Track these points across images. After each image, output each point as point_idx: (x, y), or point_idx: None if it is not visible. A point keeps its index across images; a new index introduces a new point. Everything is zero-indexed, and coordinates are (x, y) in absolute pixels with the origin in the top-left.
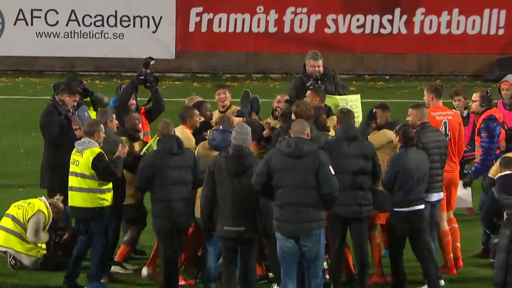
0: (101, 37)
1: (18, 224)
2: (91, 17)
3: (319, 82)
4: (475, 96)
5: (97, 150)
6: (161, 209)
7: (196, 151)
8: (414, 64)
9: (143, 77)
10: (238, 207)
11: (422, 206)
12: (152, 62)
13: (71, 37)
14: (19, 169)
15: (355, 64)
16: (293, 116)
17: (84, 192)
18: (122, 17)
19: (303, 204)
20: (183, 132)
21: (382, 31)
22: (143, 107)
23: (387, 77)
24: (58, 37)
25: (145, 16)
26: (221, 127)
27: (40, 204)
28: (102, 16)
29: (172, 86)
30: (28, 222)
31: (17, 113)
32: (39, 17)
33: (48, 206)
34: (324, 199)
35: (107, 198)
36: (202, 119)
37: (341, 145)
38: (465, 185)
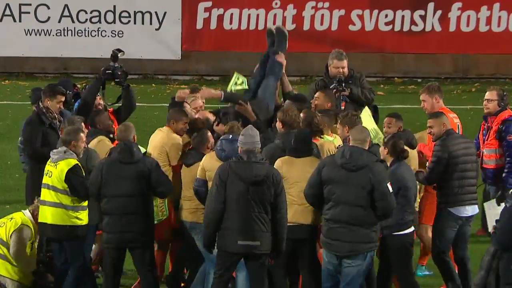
0: (98, 35)
1: (1, 244)
2: (86, 12)
3: (343, 84)
4: (492, 94)
5: (73, 162)
6: (106, 223)
7: (201, 163)
8: (450, 65)
9: (110, 71)
10: (252, 219)
11: (412, 229)
12: (120, 54)
13: (64, 35)
14: (6, 183)
15: (383, 66)
16: (278, 124)
17: (55, 207)
18: (121, 13)
19: (352, 223)
20: (168, 136)
21: (414, 28)
22: (111, 108)
23: (419, 80)
24: (49, 35)
25: (147, 12)
26: (230, 136)
27: (23, 217)
28: (99, 12)
29: (177, 90)
30: (10, 238)
31: (4, 121)
32: (28, 12)
33: (33, 221)
34: (378, 219)
35: (82, 217)
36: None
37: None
38: (500, 201)
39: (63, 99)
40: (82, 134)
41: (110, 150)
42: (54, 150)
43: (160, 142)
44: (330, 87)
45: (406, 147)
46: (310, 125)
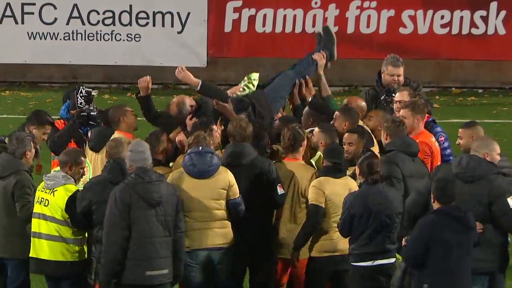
0: (112, 40)
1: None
2: (98, 13)
3: (393, 95)
4: (402, 95)
5: (73, 188)
6: (100, 253)
7: (168, 179)
8: None
9: (85, 114)
10: (159, 244)
11: (388, 261)
12: (94, 93)
13: (73, 39)
14: None
15: (439, 74)
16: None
17: (54, 241)
18: (138, 13)
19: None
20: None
21: (474, 31)
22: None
23: (479, 90)
24: (56, 39)
25: (168, 13)
26: (200, 148)
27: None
28: (113, 13)
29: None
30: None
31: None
32: (32, 13)
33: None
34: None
35: (84, 250)
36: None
37: (405, 162)
38: None
39: (49, 130)
40: (83, 157)
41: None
42: (49, 175)
43: None
44: (381, 98)
45: None
46: (259, 143)
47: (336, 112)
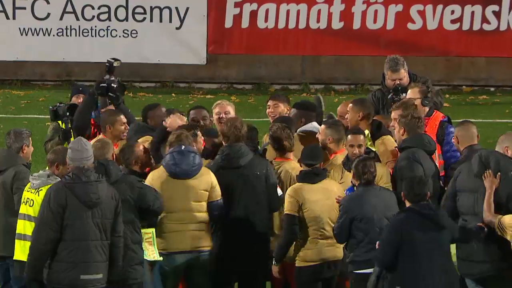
0: (107, 36)
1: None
2: (93, 8)
3: (401, 94)
4: (414, 92)
5: None
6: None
7: (147, 183)
8: None
9: (104, 85)
10: (94, 248)
11: None
12: (116, 64)
13: (67, 35)
14: None
15: (449, 72)
16: (221, 138)
17: None
18: (135, 8)
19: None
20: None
21: (486, 27)
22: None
23: (491, 89)
24: (49, 35)
25: (166, 8)
26: (183, 147)
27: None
28: (109, 8)
29: (202, 100)
30: None
31: None
32: (24, 8)
33: None
34: None
35: None
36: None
37: (426, 160)
38: None
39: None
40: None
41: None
42: (35, 174)
43: None
44: (388, 97)
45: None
46: (278, 142)
47: (350, 104)
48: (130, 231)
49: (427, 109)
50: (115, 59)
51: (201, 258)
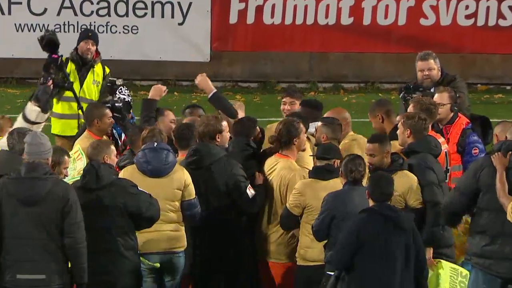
0: (107, 32)
1: None
2: (92, 3)
3: (413, 93)
4: (442, 97)
5: None
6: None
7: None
8: None
9: (108, 106)
10: (34, 247)
11: None
12: (118, 82)
13: (65, 32)
14: None
15: (463, 69)
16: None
17: None
18: (135, 3)
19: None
20: (84, 140)
21: (501, 22)
22: None
23: (507, 87)
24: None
25: (168, 3)
26: (155, 144)
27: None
28: (108, 3)
29: (206, 99)
30: None
31: None
32: (20, 3)
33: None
34: None
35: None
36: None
37: (435, 165)
38: None
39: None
40: (66, 157)
41: None
42: None
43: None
44: (399, 95)
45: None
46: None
47: (318, 124)
48: (122, 237)
49: (451, 114)
50: (117, 78)
51: (174, 259)
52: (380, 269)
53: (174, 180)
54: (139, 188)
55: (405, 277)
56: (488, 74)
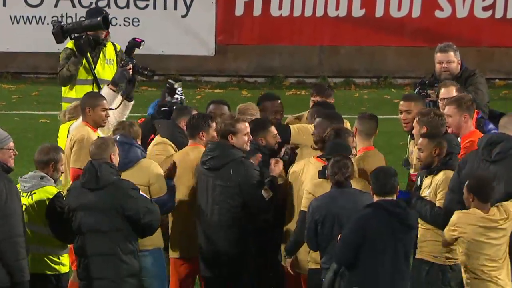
0: None
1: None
2: None
3: (428, 89)
4: (450, 91)
5: (54, 190)
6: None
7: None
8: None
9: (166, 109)
10: None
11: None
12: (176, 86)
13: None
14: None
15: (480, 63)
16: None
17: (32, 251)
18: None
19: None
20: (79, 129)
21: None
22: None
23: None
24: (43, 23)
25: None
26: (117, 136)
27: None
28: None
29: (210, 95)
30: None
31: None
32: None
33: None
34: None
35: (65, 261)
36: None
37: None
38: None
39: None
40: (62, 154)
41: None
42: (25, 176)
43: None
44: (415, 91)
45: None
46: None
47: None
48: (121, 240)
49: None
50: (176, 81)
51: (147, 258)
52: (381, 267)
53: (137, 175)
54: (141, 193)
55: (405, 273)
56: (507, 68)
